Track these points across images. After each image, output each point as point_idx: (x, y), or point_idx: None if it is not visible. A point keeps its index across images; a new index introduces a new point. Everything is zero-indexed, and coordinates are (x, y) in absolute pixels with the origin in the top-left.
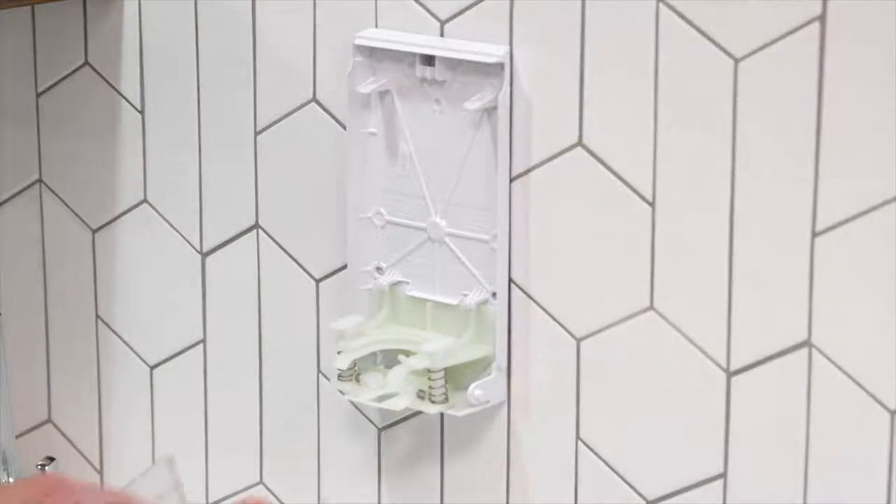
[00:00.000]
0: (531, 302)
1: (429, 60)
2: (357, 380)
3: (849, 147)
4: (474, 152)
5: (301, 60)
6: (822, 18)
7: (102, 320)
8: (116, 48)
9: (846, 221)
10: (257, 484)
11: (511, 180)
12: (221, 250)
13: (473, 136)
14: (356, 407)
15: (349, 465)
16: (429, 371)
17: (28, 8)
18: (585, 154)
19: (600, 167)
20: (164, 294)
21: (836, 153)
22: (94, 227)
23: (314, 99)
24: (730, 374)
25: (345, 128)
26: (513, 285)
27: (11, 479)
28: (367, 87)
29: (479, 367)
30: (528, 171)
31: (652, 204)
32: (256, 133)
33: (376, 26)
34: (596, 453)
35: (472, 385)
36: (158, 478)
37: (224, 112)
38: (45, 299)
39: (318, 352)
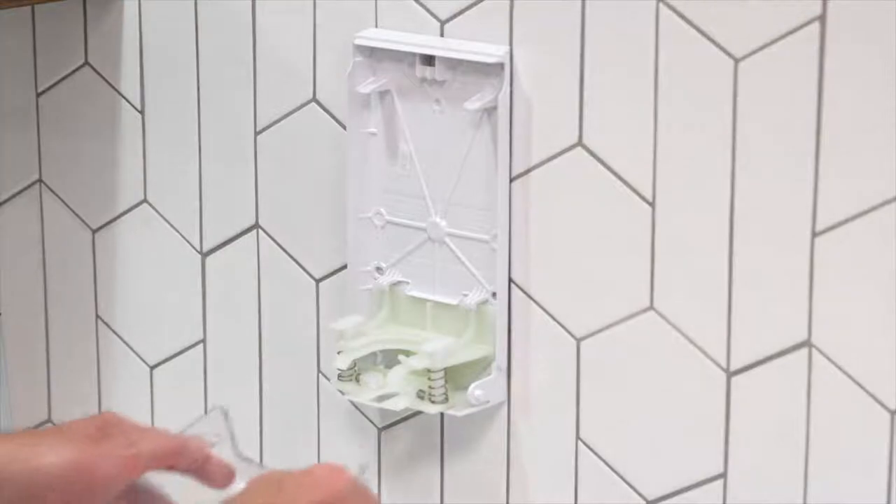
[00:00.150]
0: (531, 302)
1: (429, 60)
2: (357, 380)
3: (849, 147)
4: (474, 152)
5: (301, 60)
6: (822, 18)
7: (102, 320)
8: (116, 48)
9: (846, 221)
10: None
11: (511, 180)
12: (221, 250)
13: (473, 136)
14: (356, 407)
15: (349, 465)
16: (429, 371)
17: (28, 8)
18: (585, 154)
19: (600, 167)
20: (164, 294)
21: (836, 153)
22: (94, 227)
23: (314, 99)
24: (730, 374)
25: (345, 128)
26: (513, 285)
27: None
28: (367, 87)
29: (479, 367)
30: (528, 171)
31: (652, 204)
32: (256, 133)
33: (376, 26)
34: (596, 453)
35: (472, 385)
36: (212, 426)
37: (224, 112)
38: (45, 299)
39: (318, 352)
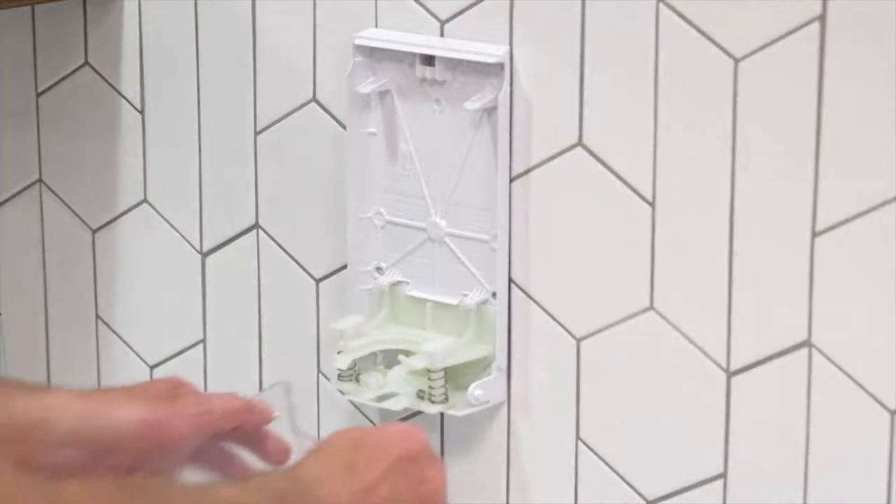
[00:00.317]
0: (531, 302)
1: (429, 60)
2: (357, 380)
3: (849, 147)
4: (474, 152)
5: (301, 60)
6: (822, 18)
7: (102, 320)
8: (116, 48)
9: (846, 221)
10: None
11: (511, 180)
12: (221, 250)
13: (473, 136)
14: (356, 407)
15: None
16: (429, 371)
17: (28, 8)
18: (585, 154)
19: (600, 167)
20: (164, 294)
21: (836, 153)
22: (94, 227)
23: (314, 99)
24: (730, 374)
25: (345, 128)
26: (513, 285)
27: None
28: (367, 87)
29: (479, 367)
30: (528, 171)
31: (652, 204)
32: (256, 133)
33: (376, 26)
34: (596, 453)
35: (472, 385)
36: (274, 399)
37: (224, 112)
38: (45, 299)
39: (318, 352)
